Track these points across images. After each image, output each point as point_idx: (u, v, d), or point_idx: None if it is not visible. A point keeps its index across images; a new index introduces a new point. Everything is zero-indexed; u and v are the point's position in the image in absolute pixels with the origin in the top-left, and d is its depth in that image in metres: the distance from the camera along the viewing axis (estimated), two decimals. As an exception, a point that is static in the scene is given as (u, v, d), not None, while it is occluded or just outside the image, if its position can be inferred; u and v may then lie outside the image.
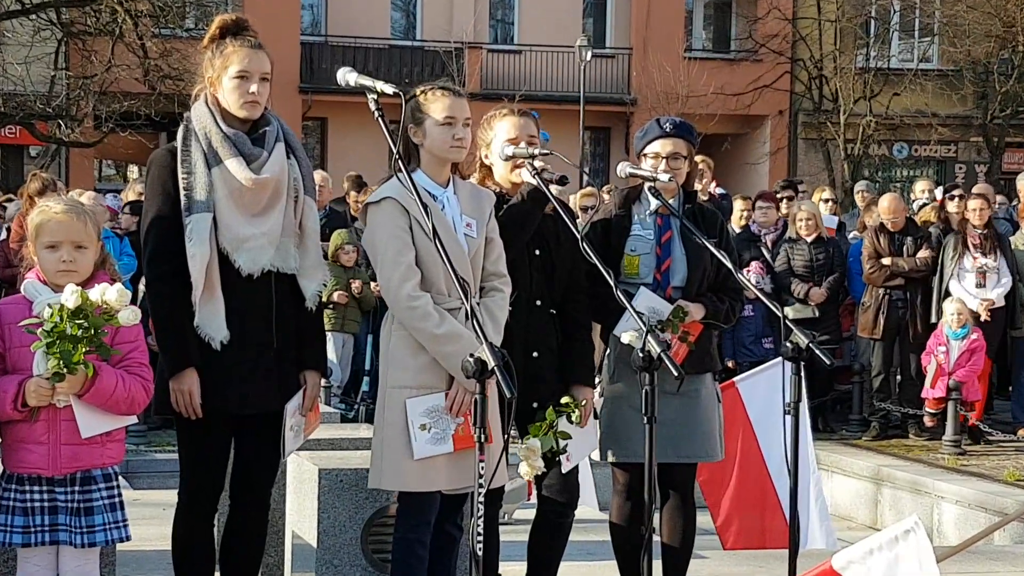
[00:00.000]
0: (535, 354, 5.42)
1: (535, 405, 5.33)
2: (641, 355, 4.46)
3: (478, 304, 5.01)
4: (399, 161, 4.49)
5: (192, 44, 21.18)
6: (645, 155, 5.79)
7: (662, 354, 4.41)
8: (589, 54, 28.93)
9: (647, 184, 5.54)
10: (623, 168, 5.67)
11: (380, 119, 4.53)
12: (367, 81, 4.64)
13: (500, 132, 5.45)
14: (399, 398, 4.94)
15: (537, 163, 5.20)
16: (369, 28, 31.01)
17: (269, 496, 5.18)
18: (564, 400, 5.27)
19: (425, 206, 4.51)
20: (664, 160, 5.70)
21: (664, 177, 5.51)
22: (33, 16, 20.50)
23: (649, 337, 4.47)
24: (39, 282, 4.57)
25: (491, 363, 4.10)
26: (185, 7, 24.38)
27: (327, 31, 31.75)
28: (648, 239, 5.71)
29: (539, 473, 5.27)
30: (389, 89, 4.59)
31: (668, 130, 5.73)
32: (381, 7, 31.72)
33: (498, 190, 5.40)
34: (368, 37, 31.03)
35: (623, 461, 5.76)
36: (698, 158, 13.24)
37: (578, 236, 4.90)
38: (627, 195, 5.81)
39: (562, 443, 5.26)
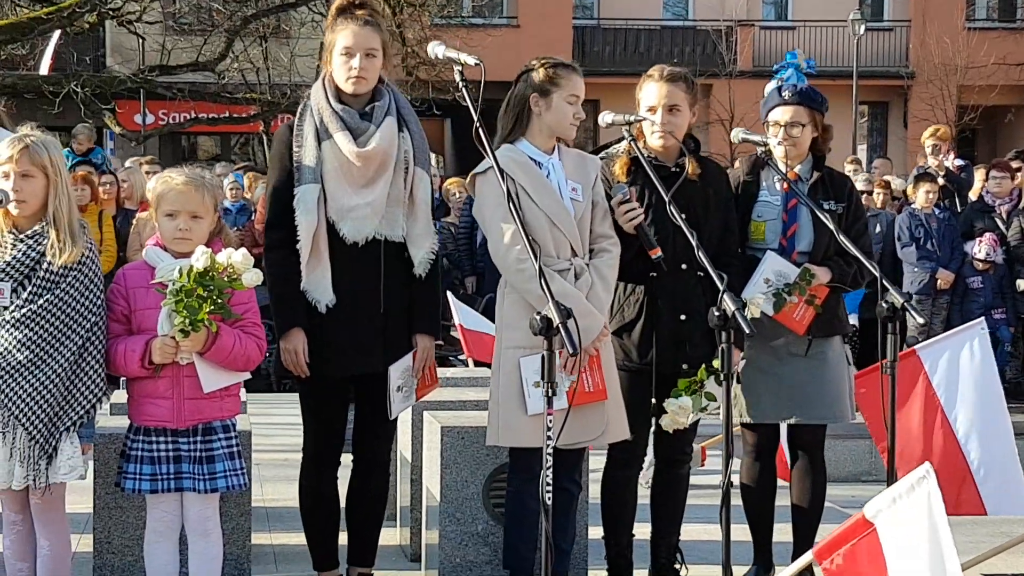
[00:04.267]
0: (683, 317, 5.44)
1: (684, 367, 5.40)
2: (717, 314, 4.51)
3: (587, 264, 5.18)
4: (480, 131, 4.64)
5: (446, 31, 21.84)
6: (767, 122, 5.81)
7: (736, 312, 4.46)
8: (863, 28, 28.38)
9: (759, 149, 5.61)
10: (737, 134, 5.75)
11: (464, 90, 4.69)
12: (452, 53, 4.80)
13: (644, 97, 5.57)
14: (513, 357, 5.08)
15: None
16: (641, 10, 31.14)
17: (386, 453, 5.42)
18: (716, 363, 5.35)
19: (503, 172, 4.65)
20: (782, 128, 5.70)
21: (773, 142, 5.56)
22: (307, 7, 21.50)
23: (725, 296, 4.52)
24: (159, 248, 4.92)
25: (556, 320, 4.24)
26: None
27: (599, 14, 32.02)
28: (775, 205, 5.72)
29: (678, 428, 5.41)
30: (472, 60, 4.73)
31: (787, 98, 5.71)
32: (653, -12, 31.82)
33: (648, 153, 5.49)
34: (640, 19, 31.19)
35: (751, 422, 5.82)
36: (933, 130, 13.07)
37: (666, 199, 4.97)
38: (755, 162, 5.80)
39: (711, 406, 5.33)
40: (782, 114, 5.73)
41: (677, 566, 5.79)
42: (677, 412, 5.34)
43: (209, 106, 23.40)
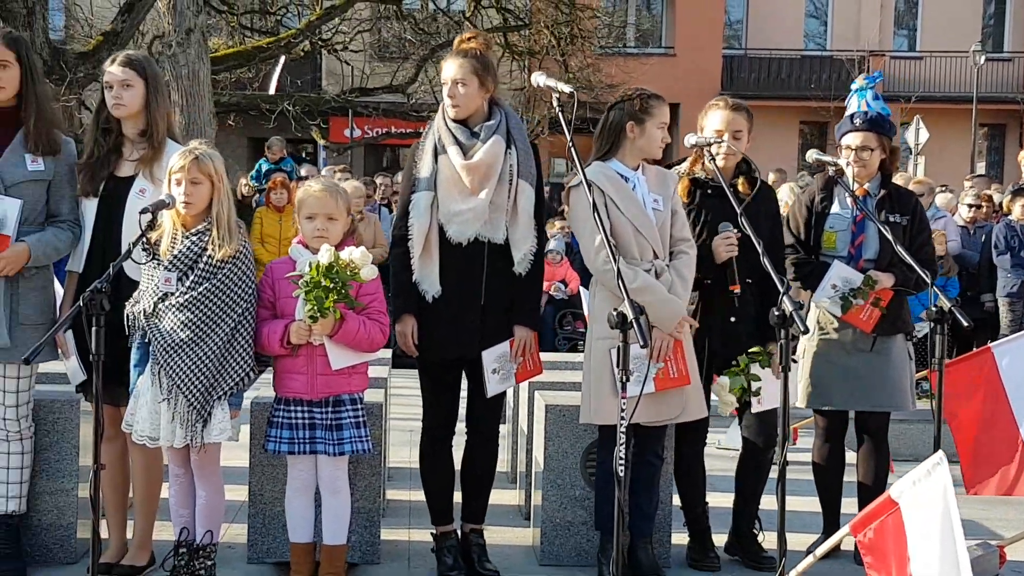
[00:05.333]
0: (732, 319, 5.43)
1: (734, 363, 5.37)
2: (776, 313, 4.42)
3: (667, 266, 5.14)
4: (572, 149, 4.61)
5: (606, 60, 21.77)
6: (840, 146, 5.76)
7: (794, 313, 4.36)
8: (983, 58, 27.49)
9: (831, 169, 5.55)
10: (811, 155, 5.69)
11: (560, 114, 4.66)
12: (551, 82, 4.78)
13: (710, 122, 5.53)
14: (603, 348, 5.09)
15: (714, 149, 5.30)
16: (784, 41, 30.64)
17: (493, 426, 5.40)
18: (755, 348, 5.32)
19: (590, 185, 4.63)
20: (853, 151, 5.66)
21: (842, 163, 5.54)
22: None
23: (785, 298, 4.42)
24: (301, 246, 5.02)
25: (630, 316, 4.21)
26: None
27: (746, 45, 31.57)
28: (845, 218, 5.68)
29: (732, 411, 5.40)
30: (567, 89, 4.72)
31: (858, 125, 5.69)
32: (794, 22, 31.22)
33: (704, 175, 5.49)
34: (783, 49, 30.68)
35: (822, 408, 5.77)
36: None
37: (738, 211, 4.89)
38: (828, 180, 5.74)
39: (753, 385, 5.30)
40: (853, 139, 5.71)
41: (756, 532, 5.71)
42: (719, 392, 5.33)
43: (401, 122, 23.73)
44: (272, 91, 23.15)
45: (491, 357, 5.16)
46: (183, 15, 11.79)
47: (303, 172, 15.00)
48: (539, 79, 4.87)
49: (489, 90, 5.19)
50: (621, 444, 4.28)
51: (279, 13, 22.98)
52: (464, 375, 5.32)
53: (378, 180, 14.95)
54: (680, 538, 5.71)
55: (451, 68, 5.15)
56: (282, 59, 21.92)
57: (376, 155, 29.40)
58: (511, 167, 5.15)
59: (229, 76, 21.00)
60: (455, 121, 5.17)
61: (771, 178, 13.82)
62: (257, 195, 14.30)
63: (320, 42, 21.54)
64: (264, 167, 15.18)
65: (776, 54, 30.64)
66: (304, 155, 26.04)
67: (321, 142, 23.30)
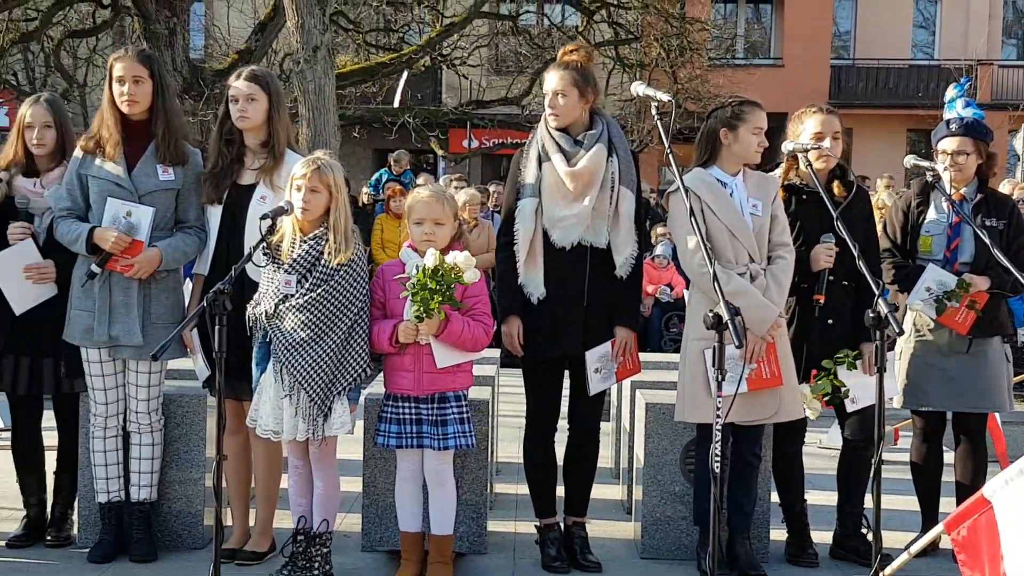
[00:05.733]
0: (830, 321, 5.32)
1: (821, 369, 5.27)
2: (871, 315, 4.31)
3: (763, 270, 5.05)
4: (670, 156, 4.56)
5: (715, 71, 21.55)
6: (936, 151, 5.60)
7: (889, 314, 4.25)
8: (1092, 64, 26.69)
9: (928, 174, 5.40)
10: (908, 160, 5.53)
11: (659, 122, 4.61)
12: (650, 91, 4.73)
13: (807, 127, 5.42)
14: (698, 348, 5.03)
15: (811, 155, 5.19)
16: (892, 51, 30.00)
17: (594, 422, 5.37)
18: (840, 353, 5.21)
19: (687, 190, 4.56)
20: (950, 156, 5.50)
21: (939, 168, 5.38)
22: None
23: (880, 300, 4.31)
24: (411, 249, 5.05)
25: (725, 317, 4.15)
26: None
27: (855, 55, 30.98)
28: (941, 222, 5.52)
29: (817, 415, 5.28)
30: (665, 97, 4.67)
31: (954, 130, 5.52)
32: (902, 32, 30.56)
33: (799, 181, 5.40)
34: (891, 59, 30.05)
35: (919, 408, 5.62)
36: None
37: (834, 215, 4.79)
38: (925, 184, 5.59)
39: (841, 388, 5.20)
40: (949, 144, 5.54)
41: (863, 531, 5.58)
42: (803, 399, 5.22)
43: (516, 133, 23.77)
44: (396, 104, 23.39)
45: (594, 357, 5.14)
46: (310, 34, 11.95)
47: (420, 181, 15.14)
48: (638, 89, 4.83)
49: (589, 100, 5.16)
50: (717, 442, 4.21)
51: (402, 30, 23.22)
52: (566, 374, 5.29)
53: (491, 188, 15.01)
54: (779, 534, 5.62)
55: (552, 80, 5.15)
56: (405, 74, 22.13)
57: (492, 164, 29.49)
58: (613, 174, 5.13)
59: (354, 91, 21.26)
60: (558, 130, 5.15)
61: (880, 184, 13.54)
62: (376, 203, 14.48)
63: (440, 57, 21.69)
64: (384, 177, 15.34)
65: (884, 64, 29.99)
66: (424, 165, 26.25)
67: (440, 152, 23.47)
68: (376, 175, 15.84)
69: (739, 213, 5.04)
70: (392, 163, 15.52)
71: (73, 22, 20.43)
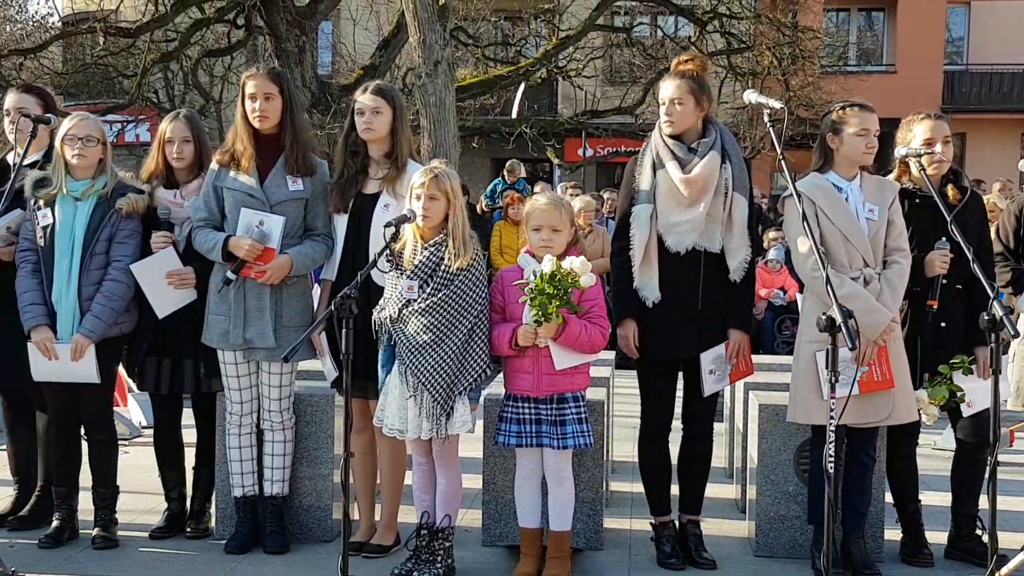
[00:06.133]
0: (942, 324, 5.18)
1: (936, 374, 5.13)
2: (987, 317, 4.18)
3: (878, 274, 4.95)
4: (782, 161, 4.48)
5: (827, 79, 21.16)
6: None
7: (1004, 317, 4.12)
8: None
9: None
10: (1023, 164, 5.37)
11: (771, 129, 4.54)
12: (763, 99, 4.66)
13: (918, 133, 5.29)
14: (810, 351, 4.95)
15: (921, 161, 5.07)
16: (1007, 55, 29.14)
17: (708, 423, 5.31)
18: (956, 358, 5.07)
19: (799, 194, 4.49)
20: None
21: None
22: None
23: (994, 303, 4.19)
24: (529, 255, 5.06)
25: (838, 319, 4.08)
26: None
27: (968, 60, 30.17)
28: None
29: (933, 421, 5.13)
30: (778, 104, 4.59)
31: None
32: (1017, 37, 29.65)
33: (912, 186, 5.27)
34: (1005, 63, 29.19)
35: None
36: None
37: (948, 219, 4.66)
38: None
39: (958, 393, 5.05)
40: None
41: (978, 532, 5.41)
42: (919, 404, 5.07)
43: (629, 141, 23.66)
44: (514, 115, 23.48)
45: (708, 359, 5.10)
46: (431, 49, 12.06)
47: (536, 189, 15.17)
48: (751, 97, 4.77)
49: (704, 109, 5.12)
50: (831, 443, 4.14)
51: (519, 44, 23.30)
52: (680, 375, 5.25)
53: (606, 195, 14.97)
54: (893, 534, 5.49)
55: (668, 88, 5.12)
56: (522, 86, 22.19)
57: (606, 172, 29.41)
58: (726, 181, 5.08)
59: (473, 103, 21.41)
60: (672, 137, 5.12)
61: (995, 188, 13.17)
62: (494, 211, 14.55)
63: (556, 69, 21.70)
64: (499, 187, 15.41)
65: (997, 68, 29.13)
66: (540, 174, 26.30)
67: (556, 161, 23.48)
68: (491, 185, 15.91)
69: (854, 217, 4.94)
70: (506, 173, 15.58)
71: (209, 42, 20.93)
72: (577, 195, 12.82)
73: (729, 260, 5.08)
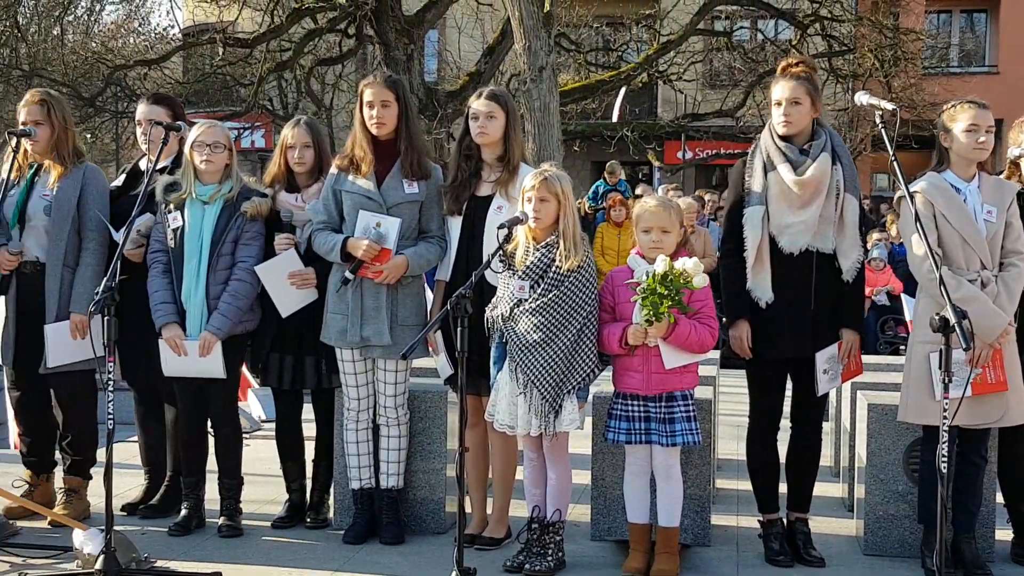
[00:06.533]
0: None
1: None
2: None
3: (995, 276, 4.83)
4: (894, 163, 4.40)
5: (929, 80, 20.68)
6: None
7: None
8: None
9: None
10: None
11: (883, 131, 4.46)
12: (875, 100, 4.58)
13: None
14: (923, 351, 4.86)
15: None
16: None
17: (817, 423, 5.25)
18: None
19: (912, 196, 4.40)
20: None
21: None
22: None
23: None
24: (639, 256, 5.04)
25: (952, 320, 3.99)
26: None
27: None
28: None
29: None
30: (890, 107, 4.51)
31: None
32: None
33: (1022, 187, 5.14)
34: None
35: None
36: None
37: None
38: None
39: None
40: None
41: None
42: None
43: (730, 144, 23.46)
44: (614, 119, 23.41)
45: (823, 358, 5.03)
46: (536, 55, 12.09)
47: (638, 191, 15.12)
48: (862, 99, 4.70)
49: (818, 110, 5.06)
50: (943, 443, 4.05)
51: (620, 49, 23.22)
52: (788, 375, 5.18)
53: (706, 196, 14.86)
54: (1004, 534, 5.35)
55: (785, 89, 5.04)
56: (623, 90, 22.11)
57: (705, 174, 29.15)
58: (838, 182, 5.01)
59: (575, 107, 21.39)
60: (782, 139, 5.05)
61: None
62: (597, 212, 14.55)
63: (657, 74, 21.59)
64: (601, 189, 15.38)
65: None
66: (640, 176, 26.18)
67: (656, 164, 23.36)
68: (593, 187, 15.89)
69: (972, 219, 4.83)
70: (607, 175, 15.55)
71: (322, 51, 21.26)
72: (679, 196, 12.74)
73: (841, 260, 5.00)
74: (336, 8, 17.29)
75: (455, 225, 5.40)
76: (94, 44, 24.52)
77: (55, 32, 23.13)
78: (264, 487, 6.32)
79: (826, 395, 5.21)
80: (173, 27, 26.94)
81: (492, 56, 17.67)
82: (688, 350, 4.85)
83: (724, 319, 5.12)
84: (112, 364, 4.65)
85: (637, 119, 23.90)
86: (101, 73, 19.69)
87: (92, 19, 29.96)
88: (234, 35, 18.73)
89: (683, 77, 22.08)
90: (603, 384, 5.43)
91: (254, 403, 8.78)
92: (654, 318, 4.72)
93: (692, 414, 4.91)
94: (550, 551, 5.04)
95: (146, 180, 5.41)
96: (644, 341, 4.84)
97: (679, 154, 24.71)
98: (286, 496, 5.92)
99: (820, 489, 5.59)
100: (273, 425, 6.06)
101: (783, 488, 5.35)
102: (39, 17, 23.37)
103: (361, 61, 22.16)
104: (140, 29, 30.22)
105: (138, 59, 20.15)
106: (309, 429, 5.94)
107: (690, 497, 5.29)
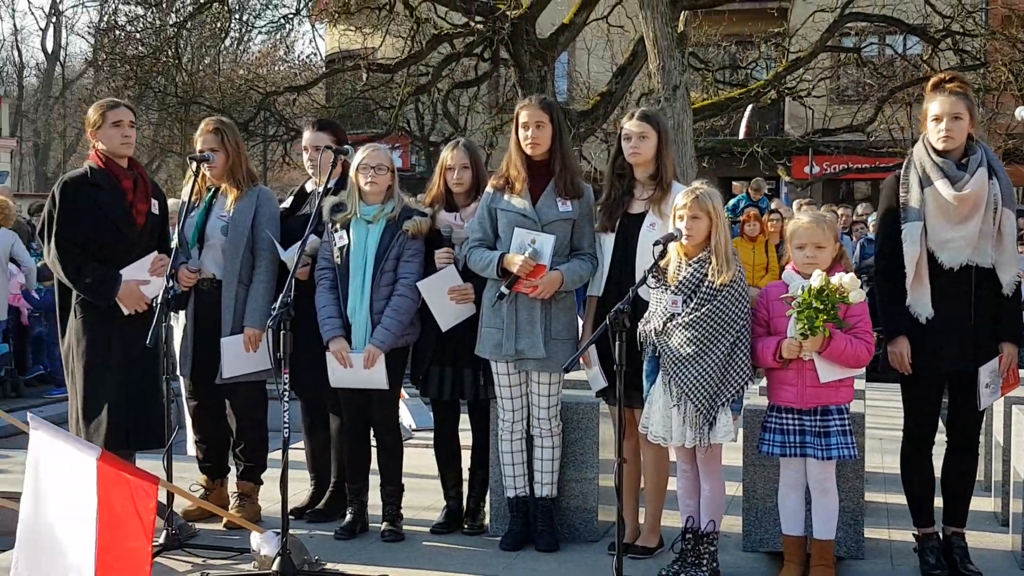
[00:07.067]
0: None
1: None
2: None
3: None
4: None
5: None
6: None
7: None
8: None
9: None
10: None
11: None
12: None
13: None
14: None
15: None
16: None
17: (974, 436, 5.10)
18: None
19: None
20: None
21: None
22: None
23: None
24: (794, 272, 4.97)
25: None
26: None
27: None
28: None
29: None
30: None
31: None
32: None
33: None
34: None
35: None
36: None
37: None
38: None
39: None
40: None
41: None
42: None
43: (859, 158, 22.96)
44: (741, 135, 23.14)
45: (986, 372, 4.91)
46: (670, 74, 12.03)
47: (773, 205, 14.93)
48: (1022, 113, 4.57)
49: (975, 125, 4.93)
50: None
51: (749, 67, 22.95)
52: (944, 390, 5.06)
53: (839, 211, 14.61)
54: None
55: (944, 104, 4.92)
56: (749, 107, 21.84)
57: (832, 188, 28.61)
58: (995, 196, 4.89)
59: (704, 124, 21.20)
60: (939, 154, 4.94)
61: None
62: (733, 224, 14.43)
63: (786, 90, 21.26)
64: (742, 203, 15.23)
65: None
66: (767, 191, 25.82)
67: (785, 178, 23.00)
68: (733, 201, 15.73)
69: None
70: (751, 190, 15.39)
71: (458, 75, 21.51)
72: (811, 210, 12.56)
73: (1001, 275, 4.88)
74: (474, 33, 17.46)
75: (608, 242, 5.41)
76: (242, 72, 25.25)
77: (206, 61, 23.89)
78: (418, 494, 6.40)
79: (984, 410, 5.06)
80: (315, 54, 27.58)
81: (623, 76, 17.62)
82: (843, 364, 4.77)
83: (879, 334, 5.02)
84: (287, 375, 4.78)
85: (765, 135, 23.57)
86: (251, 99, 20.26)
87: (240, 48, 30.92)
88: (376, 61, 19.07)
89: (812, 93, 21.70)
90: (752, 397, 5.38)
91: (404, 413, 8.90)
92: (809, 332, 4.66)
93: (848, 428, 4.83)
94: (705, 561, 5.00)
95: (318, 202, 5.55)
96: (798, 355, 4.78)
97: (806, 168, 24.30)
98: (443, 503, 5.99)
99: (971, 503, 5.42)
100: (423, 434, 6.14)
101: (938, 502, 5.21)
102: (192, 48, 24.20)
103: (493, 84, 22.35)
104: (284, 57, 31.06)
105: (287, 85, 20.67)
106: (466, 438, 6.01)
107: (843, 510, 5.18)
